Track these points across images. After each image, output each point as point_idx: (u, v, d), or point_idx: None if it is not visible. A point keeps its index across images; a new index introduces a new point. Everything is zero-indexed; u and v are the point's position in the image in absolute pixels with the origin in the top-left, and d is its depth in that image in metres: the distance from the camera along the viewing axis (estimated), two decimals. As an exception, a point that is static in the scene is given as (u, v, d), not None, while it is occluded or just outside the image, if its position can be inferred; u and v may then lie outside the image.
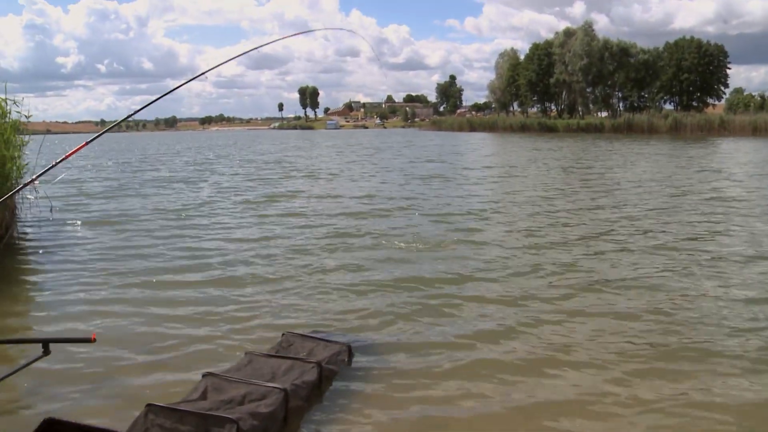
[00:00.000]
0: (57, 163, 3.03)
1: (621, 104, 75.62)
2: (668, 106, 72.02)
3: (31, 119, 11.04)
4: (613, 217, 10.35)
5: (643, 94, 72.78)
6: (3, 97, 9.60)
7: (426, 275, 6.71)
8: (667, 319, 5.26)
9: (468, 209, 11.38)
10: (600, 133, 58.37)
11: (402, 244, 8.31)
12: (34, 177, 3.31)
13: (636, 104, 73.17)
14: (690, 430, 3.50)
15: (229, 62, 3.89)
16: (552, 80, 74.47)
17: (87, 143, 3.09)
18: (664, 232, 9.01)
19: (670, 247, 7.99)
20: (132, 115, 3.62)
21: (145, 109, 3.60)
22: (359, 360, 4.47)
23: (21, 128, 10.52)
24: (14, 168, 9.70)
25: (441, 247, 8.13)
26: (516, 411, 3.75)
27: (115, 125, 3.90)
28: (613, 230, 9.17)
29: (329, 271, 7.04)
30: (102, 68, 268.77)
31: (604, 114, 74.15)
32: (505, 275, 6.72)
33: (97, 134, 3.30)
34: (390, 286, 6.34)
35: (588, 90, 74.22)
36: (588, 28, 72.28)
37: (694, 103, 69.01)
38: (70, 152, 3.03)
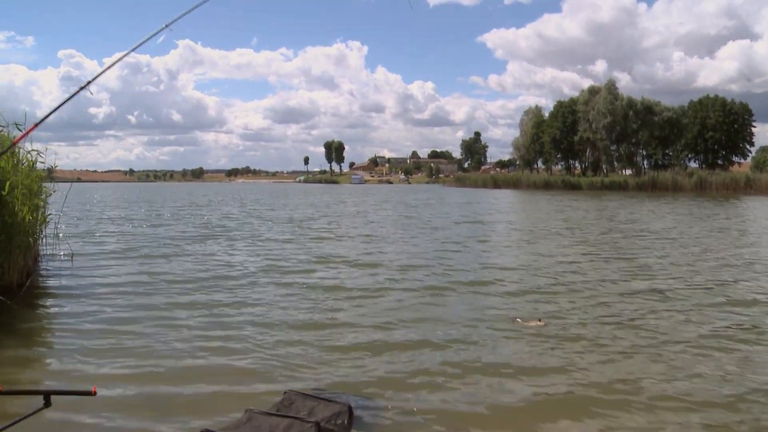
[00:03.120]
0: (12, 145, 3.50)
1: (645, 162, 75.57)
2: (693, 164, 71.80)
3: (63, 167, 11.39)
4: (657, 289, 9.33)
5: (667, 152, 72.78)
6: (28, 148, 9.83)
7: (436, 341, 6.47)
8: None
9: (493, 278, 10.54)
10: (624, 191, 57.89)
11: (417, 309, 8.04)
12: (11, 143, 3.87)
13: (660, 162, 73.05)
14: None
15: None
16: (576, 138, 74.89)
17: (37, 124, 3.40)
18: (722, 319, 7.61)
19: (729, 336, 6.73)
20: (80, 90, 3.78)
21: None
22: (360, 421, 4.34)
23: (51, 176, 10.81)
24: (38, 216, 9.92)
25: (458, 315, 7.77)
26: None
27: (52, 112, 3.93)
28: (659, 310, 7.99)
29: (338, 332, 6.87)
30: (132, 119, 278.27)
31: (629, 172, 74.04)
32: (523, 355, 6.14)
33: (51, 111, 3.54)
34: (399, 350, 6.18)
35: (612, 148, 74.40)
36: (612, 87, 73.00)
37: (719, 161, 68.61)
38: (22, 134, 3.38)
